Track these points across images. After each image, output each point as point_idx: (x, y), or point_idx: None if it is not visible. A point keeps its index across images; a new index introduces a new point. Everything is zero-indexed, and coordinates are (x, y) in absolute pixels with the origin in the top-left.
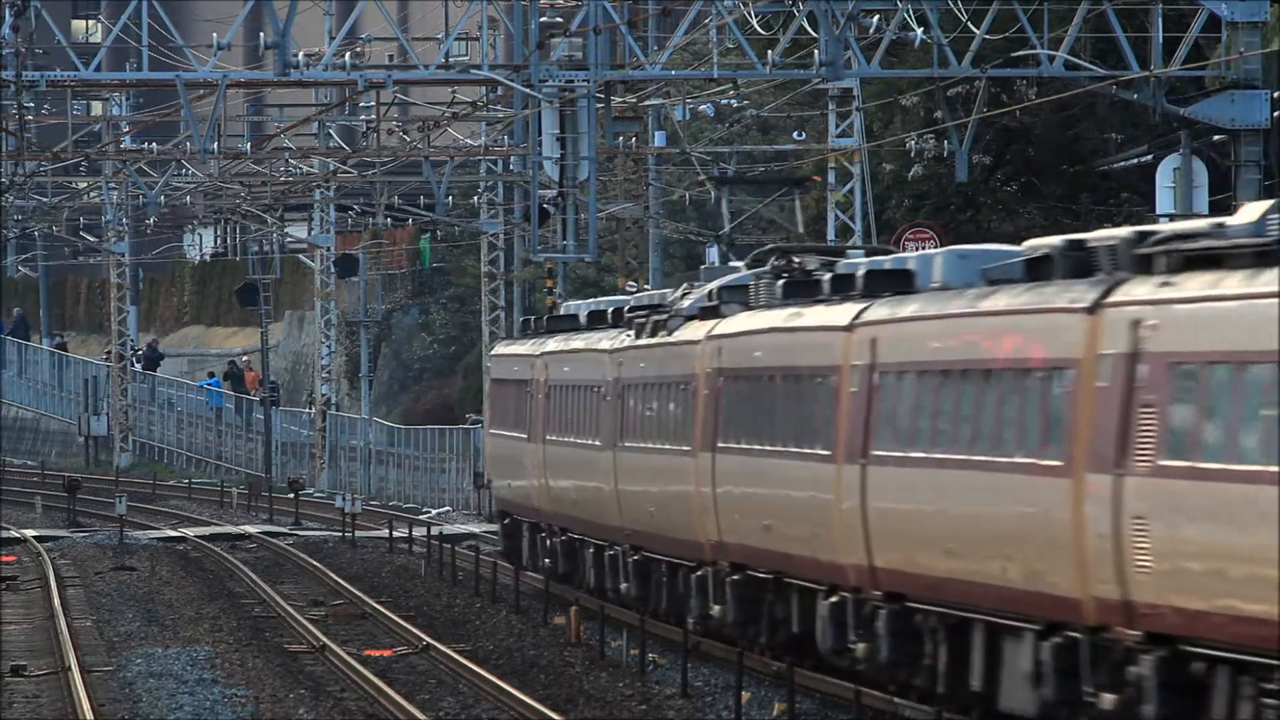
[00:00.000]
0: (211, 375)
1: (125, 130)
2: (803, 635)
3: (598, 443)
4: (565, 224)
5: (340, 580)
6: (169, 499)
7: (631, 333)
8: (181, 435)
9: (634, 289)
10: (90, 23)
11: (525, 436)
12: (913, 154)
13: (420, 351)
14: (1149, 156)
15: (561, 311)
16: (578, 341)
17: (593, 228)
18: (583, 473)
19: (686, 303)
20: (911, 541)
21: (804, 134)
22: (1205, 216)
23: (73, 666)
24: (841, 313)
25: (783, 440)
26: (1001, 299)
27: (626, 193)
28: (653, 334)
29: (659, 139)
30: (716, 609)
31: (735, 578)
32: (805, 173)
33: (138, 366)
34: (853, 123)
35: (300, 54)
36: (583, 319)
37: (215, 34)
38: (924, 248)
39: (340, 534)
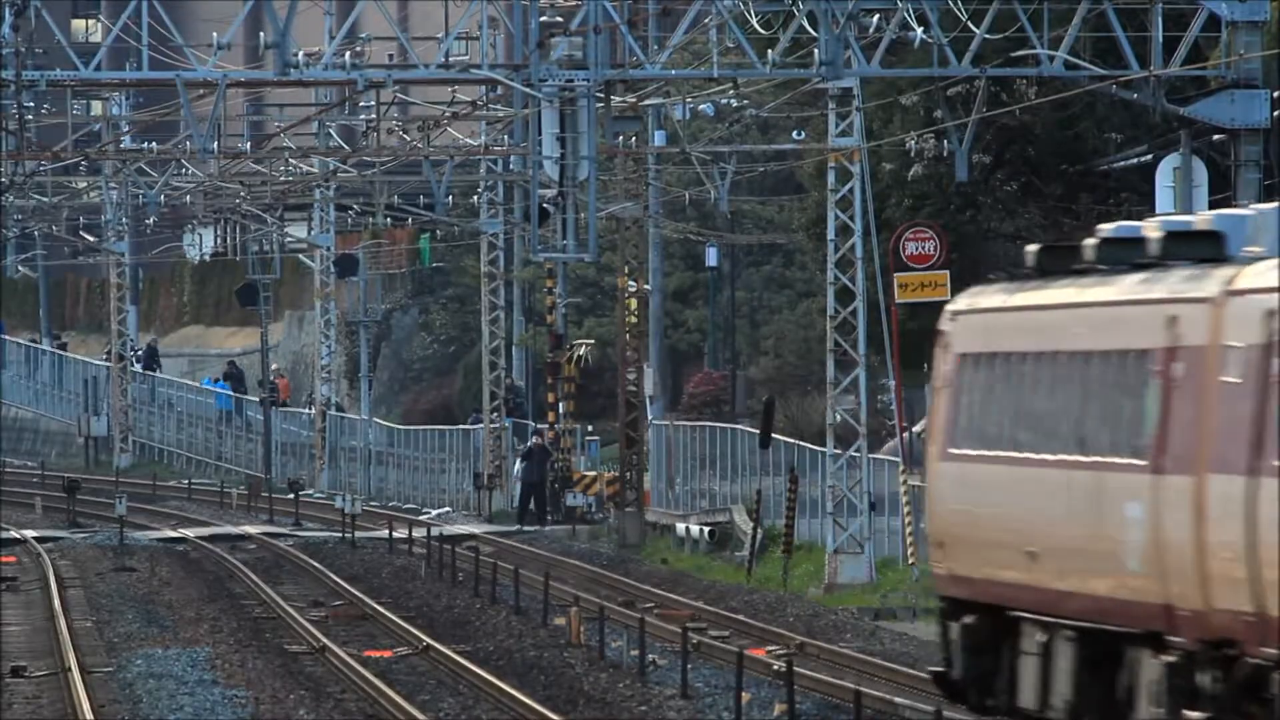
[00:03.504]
0: (218, 380)
1: (125, 130)
2: None
3: None
4: (565, 224)
5: (340, 581)
6: (169, 499)
7: None
8: (181, 436)
9: (633, 289)
10: (90, 22)
11: (1140, 463)
12: (912, 154)
13: (420, 351)
14: (1149, 156)
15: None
16: None
17: (592, 227)
18: None
19: None
20: None
21: (804, 133)
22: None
23: (73, 667)
24: None
25: None
26: None
27: (626, 192)
28: None
29: (659, 138)
30: None
31: None
32: None
33: (138, 366)
34: (852, 122)
35: (300, 53)
36: None
37: (215, 34)
38: (924, 248)
39: (340, 535)
